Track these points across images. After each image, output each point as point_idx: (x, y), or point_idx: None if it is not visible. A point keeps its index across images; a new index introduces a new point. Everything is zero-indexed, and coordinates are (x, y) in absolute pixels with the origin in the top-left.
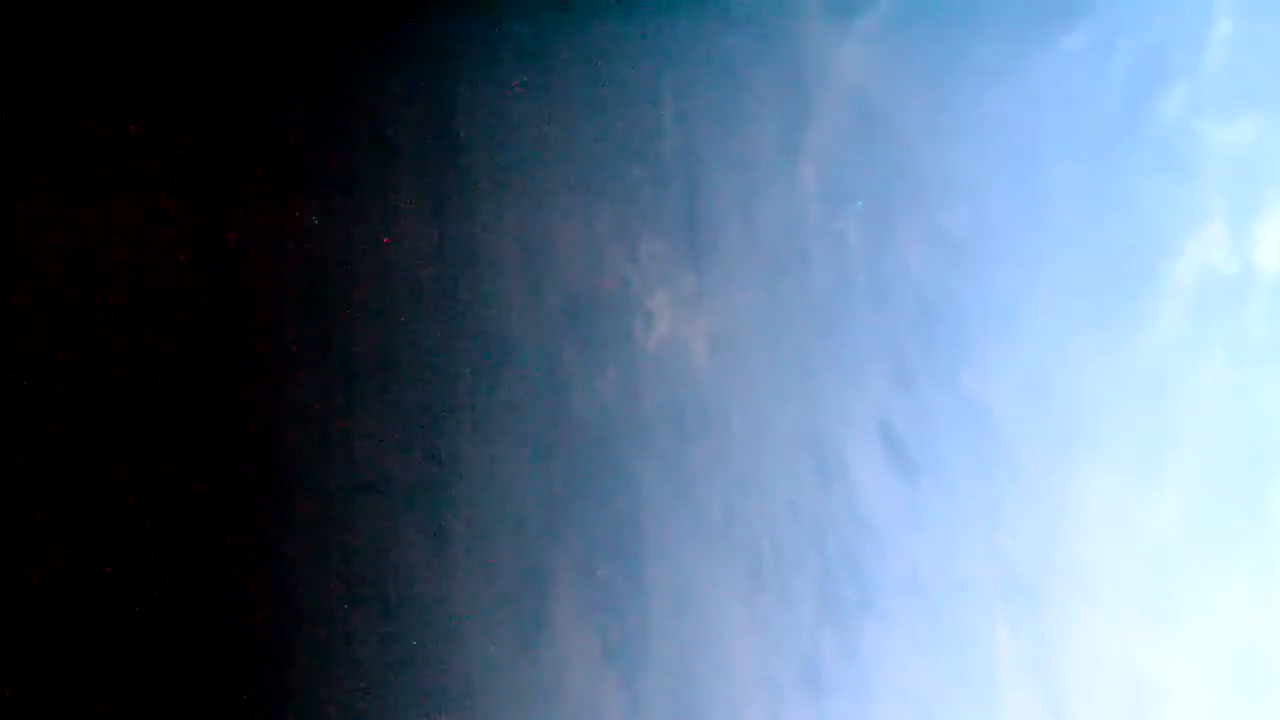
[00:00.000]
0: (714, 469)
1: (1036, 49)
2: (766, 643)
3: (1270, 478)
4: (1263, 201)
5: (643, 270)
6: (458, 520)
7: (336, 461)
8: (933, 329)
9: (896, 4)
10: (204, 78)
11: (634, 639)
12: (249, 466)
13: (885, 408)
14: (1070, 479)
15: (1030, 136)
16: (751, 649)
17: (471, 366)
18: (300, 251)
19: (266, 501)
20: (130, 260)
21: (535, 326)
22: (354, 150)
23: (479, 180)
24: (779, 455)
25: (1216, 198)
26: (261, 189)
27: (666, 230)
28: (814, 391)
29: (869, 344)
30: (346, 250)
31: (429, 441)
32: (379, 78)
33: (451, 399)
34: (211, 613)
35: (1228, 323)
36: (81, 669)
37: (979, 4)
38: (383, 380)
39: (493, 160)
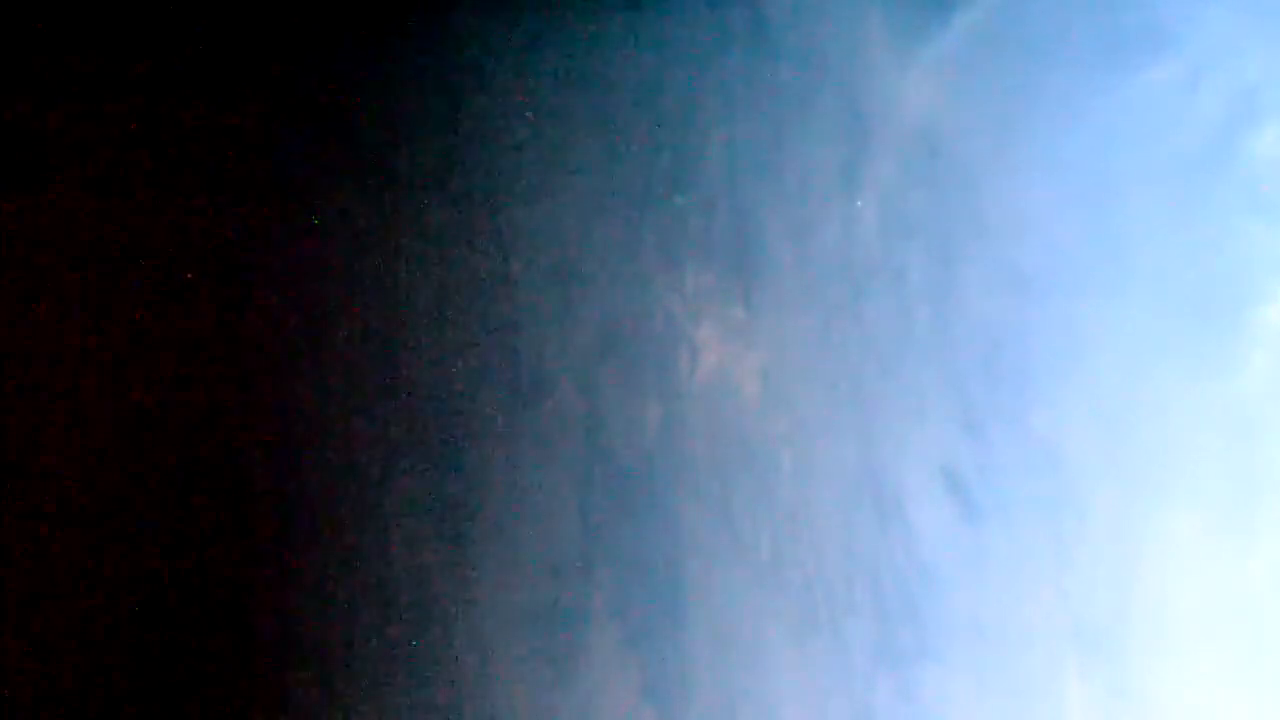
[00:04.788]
0: (761, 507)
1: (1117, 82)
2: (817, 688)
3: None
4: None
5: (688, 301)
6: (490, 556)
7: (359, 493)
8: (999, 366)
9: (967, 32)
10: (204, 77)
11: (673, 677)
12: (263, 501)
13: (948, 449)
14: (1149, 525)
15: (1108, 173)
16: (801, 693)
17: (502, 398)
18: (306, 268)
19: (279, 522)
20: (130, 260)
21: (571, 358)
22: (367, 166)
23: (512, 205)
24: (833, 496)
25: None
26: (266, 196)
27: (715, 260)
28: (871, 430)
29: (930, 381)
30: (360, 271)
31: (458, 475)
32: (400, 86)
33: (481, 430)
34: (221, 637)
35: None
36: (81, 670)
37: (1055, 33)
38: (408, 409)
39: (527, 185)
